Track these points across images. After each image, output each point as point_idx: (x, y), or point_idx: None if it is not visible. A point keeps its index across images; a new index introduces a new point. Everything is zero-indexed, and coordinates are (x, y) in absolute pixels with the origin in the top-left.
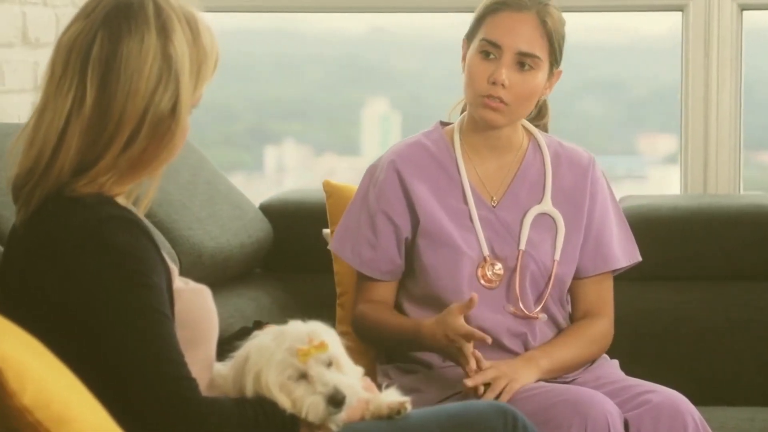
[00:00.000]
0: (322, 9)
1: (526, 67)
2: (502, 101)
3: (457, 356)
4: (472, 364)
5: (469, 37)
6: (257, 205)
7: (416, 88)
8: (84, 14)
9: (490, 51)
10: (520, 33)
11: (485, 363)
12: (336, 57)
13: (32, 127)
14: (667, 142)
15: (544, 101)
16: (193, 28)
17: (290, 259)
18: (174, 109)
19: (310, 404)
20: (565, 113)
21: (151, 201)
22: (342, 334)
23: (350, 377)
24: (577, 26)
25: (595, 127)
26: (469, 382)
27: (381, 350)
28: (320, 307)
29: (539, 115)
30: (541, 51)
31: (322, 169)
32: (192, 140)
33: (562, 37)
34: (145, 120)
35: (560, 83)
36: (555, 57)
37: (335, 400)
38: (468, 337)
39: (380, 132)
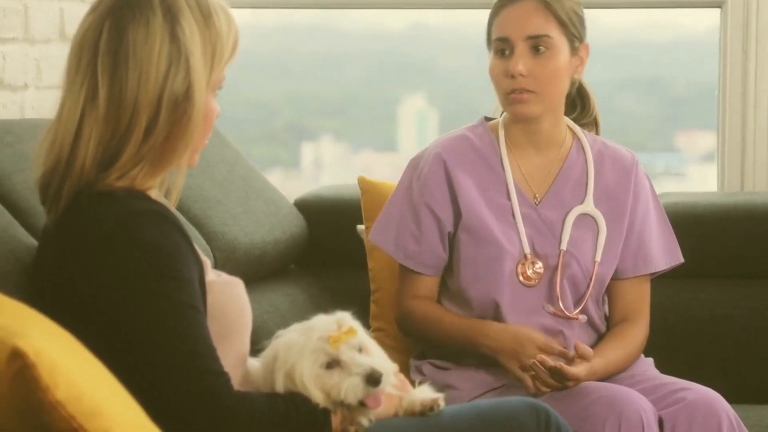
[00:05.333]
0: (362, 5)
1: (542, 49)
2: (527, 90)
3: (516, 362)
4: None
5: (488, 46)
6: (292, 201)
7: (453, 85)
8: (91, 9)
9: (503, 48)
10: (524, 20)
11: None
12: (375, 54)
13: (53, 128)
14: (706, 139)
15: (585, 91)
16: (203, 8)
17: (325, 255)
18: (188, 91)
19: (348, 386)
20: (604, 110)
21: (182, 192)
22: (377, 330)
23: (381, 360)
24: (616, 23)
25: (634, 123)
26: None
27: (421, 346)
28: (354, 303)
29: (584, 110)
30: (550, 30)
31: (359, 165)
32: (229, 136)
33: (575, 12)
34: (161, 105)
35: (599, 80)
36: (571, 33)
37: (373, 378)
38: (548, 348)
39: (417, 129)
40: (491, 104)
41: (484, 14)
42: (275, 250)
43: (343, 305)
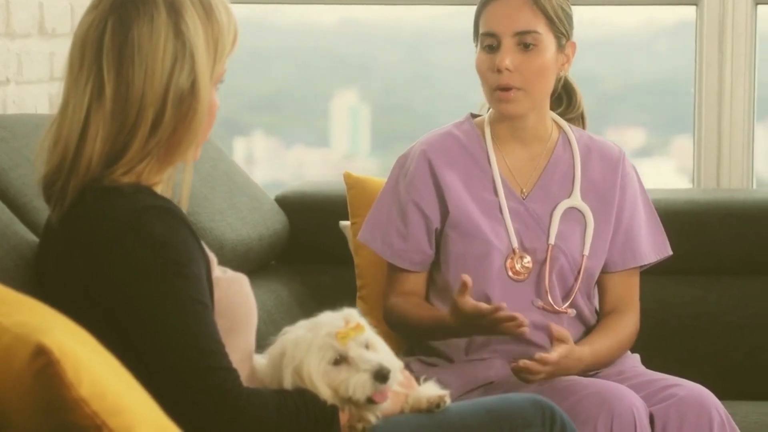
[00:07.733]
0: (295, 0)
1: (530, 46)
2: (513, 88)
3: (492, 330)
4: (514, 323)
5: (474, 39)
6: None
7: (385, 80)
8: (93, 5)
9: (490, 43)
10: (513, 15)
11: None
12: (306, 49)
13: (56, 125)
14: (637, 136)
15: (571, 86)
16: (204, 2)
17: (306, 252)
18: (193, 86)
19: (356, 382)
20: None
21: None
22: None
23: (388, 356)
24: None
25: None
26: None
27: (408, 342)
28: (338, 300)
29: (570, 105)
30: (538, 26)
31: (292, 161)
32: None
33: (563, 9)
34: (167, 100)
35: None
36: (559, 30)
37: (381, 375)
38: (485, 310)
39: (349, 124)
40: (423, 99)
41: (416, 9)
42: (260, 246)
43: (327, 301)
